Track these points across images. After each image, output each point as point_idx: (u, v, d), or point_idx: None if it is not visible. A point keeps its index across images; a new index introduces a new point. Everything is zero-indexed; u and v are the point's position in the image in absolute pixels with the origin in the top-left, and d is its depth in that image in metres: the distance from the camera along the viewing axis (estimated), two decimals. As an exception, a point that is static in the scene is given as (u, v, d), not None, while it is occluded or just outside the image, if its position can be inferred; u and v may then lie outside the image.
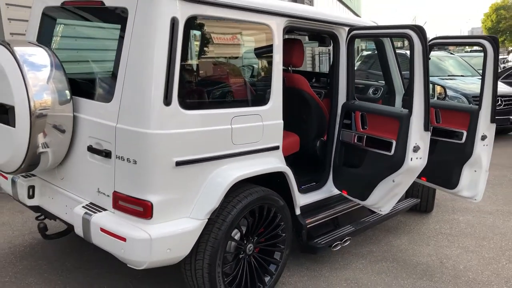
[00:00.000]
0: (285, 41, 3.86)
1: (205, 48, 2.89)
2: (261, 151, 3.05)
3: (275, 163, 3.11)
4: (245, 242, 3.01)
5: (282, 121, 3.17)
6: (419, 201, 4.72)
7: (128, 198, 2.56)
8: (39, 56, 2.75)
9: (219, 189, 2.71)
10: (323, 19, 3.48)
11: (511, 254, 4.09)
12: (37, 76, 2.66)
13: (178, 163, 2.57)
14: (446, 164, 3.96)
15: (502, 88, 9.70)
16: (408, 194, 4.90)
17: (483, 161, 3.83)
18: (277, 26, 3.09)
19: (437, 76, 10.09)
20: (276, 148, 3.15)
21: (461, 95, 9.29)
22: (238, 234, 2.95)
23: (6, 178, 3.36)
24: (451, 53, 12.63)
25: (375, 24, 3.92)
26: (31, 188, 3.16)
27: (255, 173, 2.90)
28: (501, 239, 4.40)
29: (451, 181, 3.96)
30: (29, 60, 2.67)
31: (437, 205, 5.35)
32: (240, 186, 2.92)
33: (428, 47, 4.08)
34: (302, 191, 3.61)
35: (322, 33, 3.75)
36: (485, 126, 3.75)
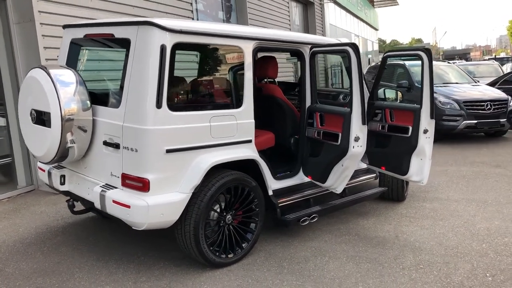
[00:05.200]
0: (262, 58, 4.79)
1: (188, 66, 3.83)
2: (236, 144, 3.94)
3: (247, 153, 4.00)
4: (224, 214, 3.90)
5: (253, 121, 4.06)
6: (387, 189, 5.51)
7: (132, 177, 3.50)
8: (68, 76, 3.73)
9: (200, 170, 3.62)
10: (288, 40, 4.39)
11: (459, 230, 4.84)
12: (66, 90, 3.64)
13: (168, 151, 3.49)
14: (399, 154, 4.78)
15: (492, 93, 10.38)
16: (380, 183, 5.71)
17: (426, 151, 4.64)
18: (247, 47, 4.00)
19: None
20: (249, 141, 4.04)
21: (452, 100, 10.03)
22: (218, 207, 3.85)
23: (44, 170, 4.35)
24: (449, 62, 13.35)
25: (335, 42, 4.79)
26: (62, 176, 4.13)
27: (229, 159, 3.80)
28: (455, 220, 5.14)
29: (403, 169, 4.77)
30: (61, 79, 3.66)
31: (411, 196, 6.11)
32: (218, 170, 3.82)
33: (383, 59, 4.98)
34: (278, 178, 4.47)
35: (291, 51, 4.64)
36: (426, 122, 4.57)
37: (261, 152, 4.37)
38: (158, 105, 3.43)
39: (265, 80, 4.88)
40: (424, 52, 4.47)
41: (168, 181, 3.54)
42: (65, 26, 4.32)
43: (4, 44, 5.80)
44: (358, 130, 4.00)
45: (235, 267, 3.93)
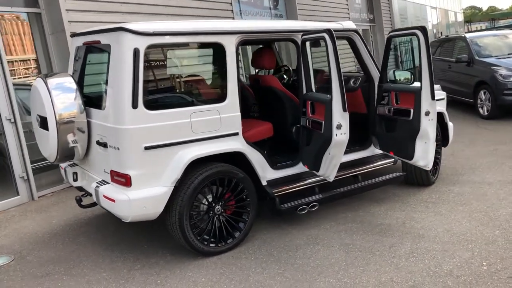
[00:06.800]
0: (258, 50, 4.85)
1: (163, 66, 4.01)
2: (221, 137, 4.06)
3: (232, 145, 4.10)
4: (213, 204, 4.06)
5: (239, 113, 4.14)
6: (405, 174, 5.29)
7: (117, 173, 3.78)
8: (63, 83, 4.09)
9: (180, 164, 3.80)
10: (275, 30, 4.39)
11: (477, 216, 4.55)
12: (60, 96, 4.00)
13: (147, 148, 3.71)
14: (403, 139, 4.60)
15: None
16: (403, 168, 5.49)
17: (429, 134, 4.42)
18: (229, 42, 4.08)
19: (495, 57, 10.03)
20: (235, 134, 4.13)
21: (517, 72, 9.21)
22: (207, 198, 4.00)
23: (62, 168, 4.80)
24: (519, 30, 12.20)
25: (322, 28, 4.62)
26: (75, 173, 4.53)
27: (210, 153, 3.93)
28: (479, 205, 4.83)
29: (409, 153, 4.59)
30: (56, 86, 4.02)
31: (442, 179, 5.81)
32: (203, 163, 3.97)
33: (387, 40, 4.80)
34: (277, 167, 4.52)
35: (284, 40, 4.63)
36: (427, 103, 4.35)
37: (259, 143, 4.46)
38: (134, 105, 3.65)
39: (257, 71, 4.93)
40: (420, 30, 4.24)
41: (149, 176, 3.76)
42: (72, 35, 4.70)
43: (43, 53, 6.39)
44: (340, 117, 3.94)
45: (226, 256, 4.08)
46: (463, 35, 11.29)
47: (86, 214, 5.45)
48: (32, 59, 6.48)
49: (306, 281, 3.58)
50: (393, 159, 5.27)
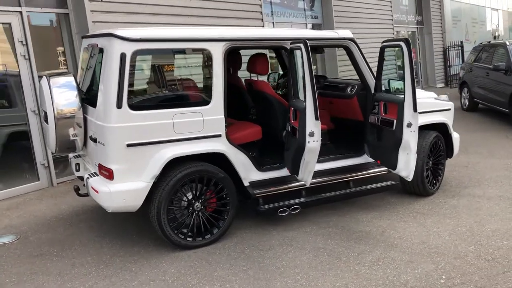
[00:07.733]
0: (252, 56, 5.04)
1: (149, 70, 4.30)
2: (203, 138, 4.30)
3: (214, 146, 4.32)
4: (193, 201, 4.31)
5: (223, 117, 4.35)
6: (398, 183, 5.31)
7: (102, 166, 4.12)
8: (65, 82, 4.47)
9: (159, 162, 4.08)
10: (263, 37, 4.57)
11: (460, 230, 4.53)
12: (60, 94, 4.39)
13: (128, 145, 4.02)
14: (388, 148, 4.64)
15: None
16: (400, 177, 5.49)
17: (411, 145, 4.44)
18: (216, 49, 4.30)
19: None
20: (218, 136, 4.36)
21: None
22: (187, 195, 4.26)
23: (69, 158, 5.23)
24: None
25: (322, 35, 4.76)
26: (77, 164, 4.95)
27: (189, 153, 4.18)
28: (467, 219, 4.78)
29: (392, 163, 4.63)
30: (57, 85, 4.41)
31: (444, 190, 5.74)
32: (184, 162, 4.23)
33: (380, 50, 4.86)
34: (263, 169, 4.71)
35: (275, 48, 4.80)
36: (409, 115, 4.38)
37: (248, 145, 4.67)
38: (119, 105, 3.96)
39: (250, 76, 5.12)
40: (404, 42, 4.28)
41: (131, 171, 4.07)
42: (82, 37, 5.10)
43: (70, 52, 6.90)
44: (313, 125, 4.07)
45: (202, 250, 4.33)
46: (504, 42, 10.87)
47: (93, 202, 5.85)
48: (61, 52, 7.01)
49: (265, 279, 3.76)
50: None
